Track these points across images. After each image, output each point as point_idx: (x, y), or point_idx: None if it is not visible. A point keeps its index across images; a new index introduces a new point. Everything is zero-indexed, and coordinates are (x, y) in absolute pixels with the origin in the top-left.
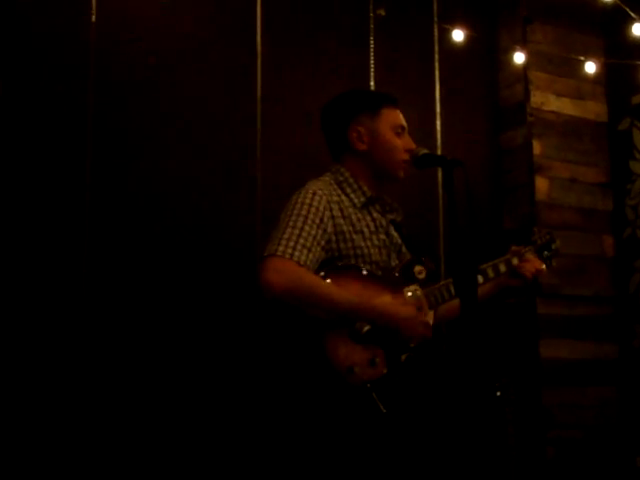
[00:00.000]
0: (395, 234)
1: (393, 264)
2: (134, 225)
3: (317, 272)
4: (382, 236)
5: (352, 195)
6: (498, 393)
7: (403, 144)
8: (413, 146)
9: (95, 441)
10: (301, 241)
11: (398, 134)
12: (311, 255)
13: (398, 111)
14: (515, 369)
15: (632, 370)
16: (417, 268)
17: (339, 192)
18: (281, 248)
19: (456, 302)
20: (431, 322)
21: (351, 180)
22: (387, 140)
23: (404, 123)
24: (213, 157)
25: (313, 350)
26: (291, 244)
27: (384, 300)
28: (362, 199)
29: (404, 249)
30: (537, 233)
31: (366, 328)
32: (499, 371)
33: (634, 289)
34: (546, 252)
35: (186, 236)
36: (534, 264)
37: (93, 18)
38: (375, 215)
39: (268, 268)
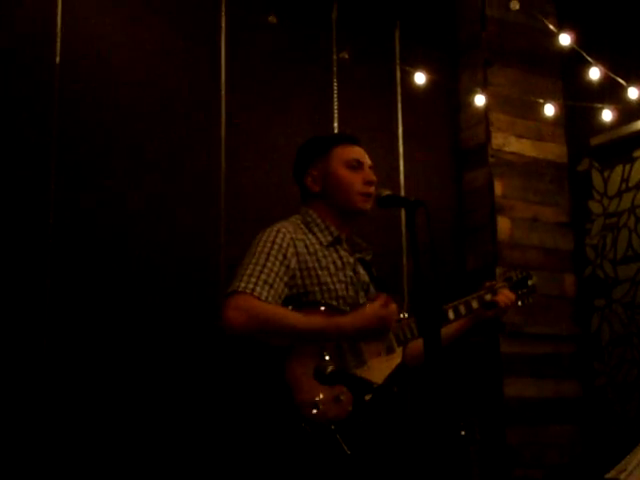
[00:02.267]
0: (363, 272)
1: (361, 301)
2: (97, 256)
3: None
4: (349, 273)
5: (319, 234)
6: (463, 432)
7: (362, 177)
8: (373, 178)
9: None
10: (262, 277)
11: (353, 168)
12: (272, 291)
13: (355, 147)
14: (479, 408)
15: (594, 408)
16: (381, 297)
17: (306, 231)
18: (242, 284)
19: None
20: (398, 359)
21: (319, 220)
22: (338, 175)
23: (360, 157)
24: (176, 195)
25: (277, 387)
26: (252, 280)
27: (349, 315)
28: (329, 238)
29: (372, 288)
30: (513, 271)
31: (330, 368)
32: (463, 410)
33: (595, 328)
34: (522, 289)
35: (149, 269)
36: (508, 295)
37: (57, 60)
38: (342, 253)
39: (229, 306)
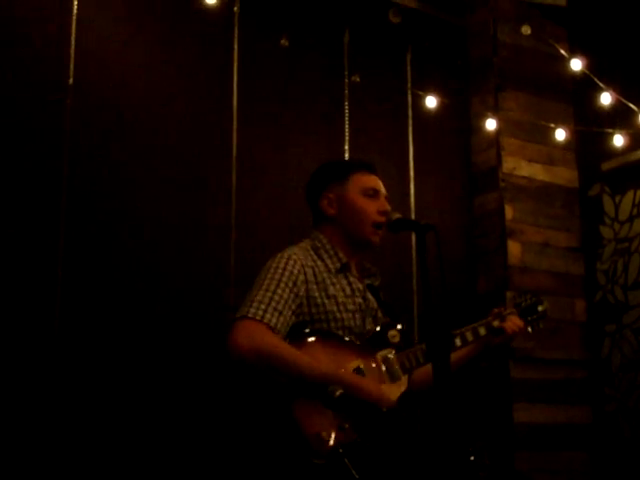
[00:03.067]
0: (372, 298)
1: (368, 328)
2: (110, 283)
3: (286, 337)
4: (358, 300)
5: (327, 261)
6: (472, 457)
7: (377, 206)
8: (388, 208)
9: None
10: (273, 304)
11: (370, 196)
12: (282, 318)
13: (372, 176)
14: (489, 433)
15: (604, 434)
16: (391, 332)
17: (315, 257)
18: (252, 310)
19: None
20: (404, 387)
21: (328, 246)
22: (355, 203)
23: (377, 186)
24: (187, 222)
25: (282, 414)
26: (262, 307)
27: (352, 373)
28: (337, 265)
29: (380, 314)
30: (523, 296)
31: (339, 392)
32: (473, 435)
33: (606, 353)
34: (531, 315)
35: (161, 297)
36: (516, 322)
37: (70, 81)
38: (351, 279)
39: (238, 330)
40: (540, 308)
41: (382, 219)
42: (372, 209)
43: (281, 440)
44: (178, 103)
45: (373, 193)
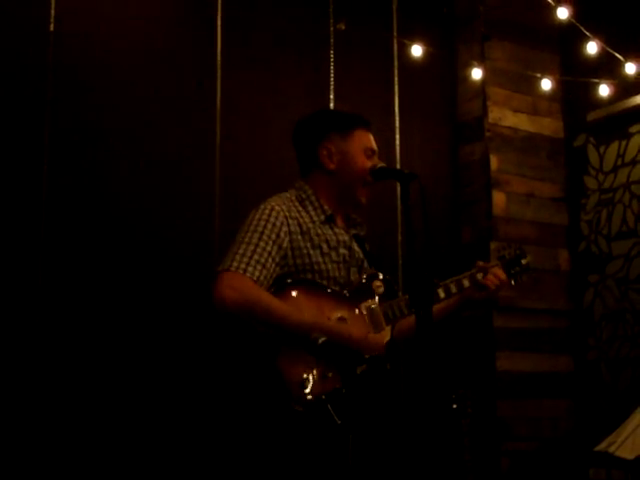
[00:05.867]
0: (357, 249)
1: (353, 279)
2: (91, 237)
3: (270, 287)
4: (343, 251)
5: (312, 212)
6: (454, 405)
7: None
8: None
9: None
10: (255, 257)
11: (369, 157)
12: (265, 271)
13: (370, 134)
14: (471, 382)
15: (586, 383)
16: (376, 283)
17: (300, 208)
18: (235, 264)
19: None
20: (387, 337)
21: (313, 198)
22: (356, 161)
23: (375, 146)
24: (171, 169)
25: (265, 364)
26: (245, 260)
27: (336, 322)
28: (322, 217)
29: (366, 264)
30: (507, 248)
31: (322, 339)
32: (456, 384)
33: (588, 303)
34: (514, 268)
35: (143, 250)
36: (499, 276)
37: (51, 27)
38: (337, 230)
39: (222, 283)
40: (524, 261)
41: (371, 179)
42: (367, 168)
43: (263, 388)
44: (161, 52)
45: (372, 154)
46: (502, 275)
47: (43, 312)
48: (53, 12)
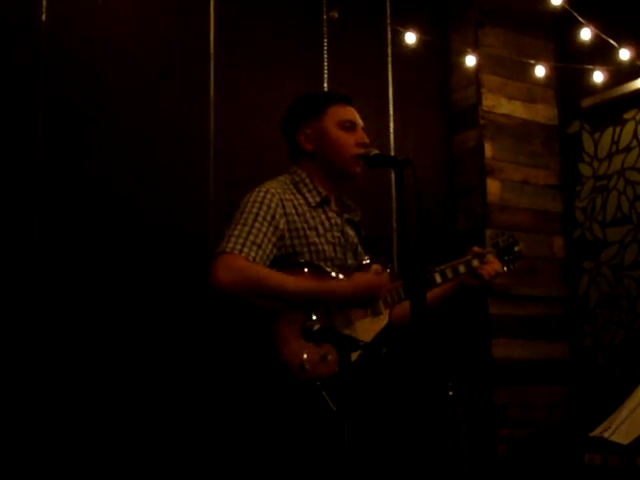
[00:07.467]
0: (351, 233)
1: (349, 262)
2: (86, 222)
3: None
4: (336, 234)
5: (307, 195)
6: (450, 392)
7: (355, 139)
8: (366, 140)
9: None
10: (251, 238)
11: (347, 129)
12: (261, 252)
13: (349, 107)
14: (467, 369)
15: (582, 369)
16: (374, 267)
17: (294, 191)
18: (230, 245)
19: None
20: (385, 321)
21: (307, 180)
22: (332, 136)
23: (354, 118)
24: (166, 153)
25: (264, 347)
26: (240, 241)
27: (340, 280)
28: (317, 199)
29: (360, 249)
30: (500, 236)
31: (317, 326)
32: (451, 371)
33: (584, 290)
34: (508, 255)
35: (139, 234)
36: (493, 266)
37: (43, 17)
38: (330, 214)
39: (218, 266)
40: (516, 248)
41: (361, 151)
42: (350, 142)
43: (260, 367)
44: (154, 36)
45: (350, 125)
46: (497, 265)
47: (37, 299)
48: (44, 2)
